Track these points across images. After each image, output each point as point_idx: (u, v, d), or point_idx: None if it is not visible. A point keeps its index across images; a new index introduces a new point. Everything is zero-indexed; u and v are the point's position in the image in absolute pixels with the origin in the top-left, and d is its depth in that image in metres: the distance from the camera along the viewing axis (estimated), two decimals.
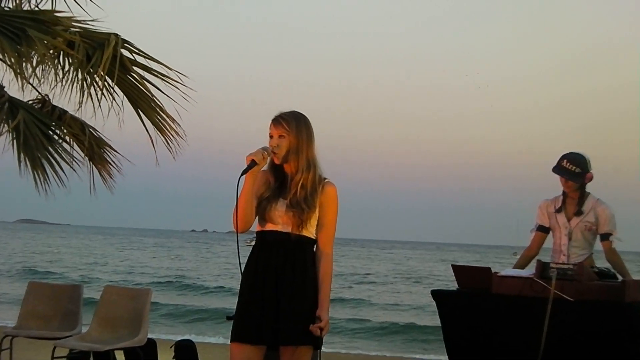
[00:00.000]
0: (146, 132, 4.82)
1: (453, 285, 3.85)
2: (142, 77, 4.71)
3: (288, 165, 2.40)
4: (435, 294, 3.77)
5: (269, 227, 2.38)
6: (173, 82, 4.53)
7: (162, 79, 4.63)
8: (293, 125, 2.36)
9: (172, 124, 4.84)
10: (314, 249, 2.38)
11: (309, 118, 2.42)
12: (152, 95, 4.77)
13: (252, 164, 2.30)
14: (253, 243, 2.39)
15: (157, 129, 4.86)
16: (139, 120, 4.85)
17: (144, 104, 4.80)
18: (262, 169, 2.39)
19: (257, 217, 2.42)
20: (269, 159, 2.40)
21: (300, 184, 2.34)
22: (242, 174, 2.23)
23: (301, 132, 2.36)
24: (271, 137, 2.40)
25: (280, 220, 2.36)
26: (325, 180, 2.38)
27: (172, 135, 4.86)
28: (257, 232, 2.40)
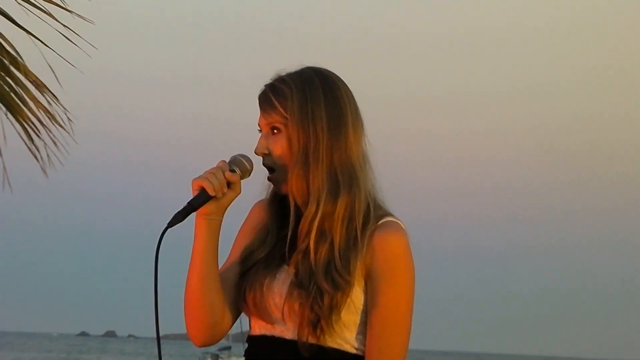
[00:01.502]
0: None
1: None
2: None
3: (292, 191, 2.33)
4: None
5: (260, 329, 2.34)
6: (45, 1, 4.29)
7: None
8: (295, 99, 2.29)
9: (40, 98, 4.55)
10: None
11: (342, 80, 2.37)
12: None
13: (201, 198, 2.23)
14: None
15: (8, 109, 4.57)
16: None
17: None
18: (259, 202, 2.40)
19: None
20: (269, 188, 2.38)
21: (315, 230, 2.26)
22: (168, 225, 2.21)
23: (315, 114, 2.29)
24: (260, 130, 2.35)
25: (279, 314, 2.28)
26: (383, 221, 2.29)
27: (40, 123, 4.58)
28: (248, 339, 2.39)
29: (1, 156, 4.57)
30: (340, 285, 2.25)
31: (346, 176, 2.30)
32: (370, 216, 2.30)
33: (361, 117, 2.35)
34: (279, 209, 2.38)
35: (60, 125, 4.56)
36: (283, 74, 2.34)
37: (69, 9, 4.26)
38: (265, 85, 2.34)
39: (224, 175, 2.25)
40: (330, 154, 2.29)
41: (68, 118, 4.56)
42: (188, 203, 2.22)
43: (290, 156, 2.31)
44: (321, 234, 2.28)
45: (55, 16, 4.29)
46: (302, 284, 2.28)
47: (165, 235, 2.24)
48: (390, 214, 2.32)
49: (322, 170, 2.29)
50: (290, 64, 2.32)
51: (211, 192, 2.22)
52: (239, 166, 2.28)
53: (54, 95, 4.54)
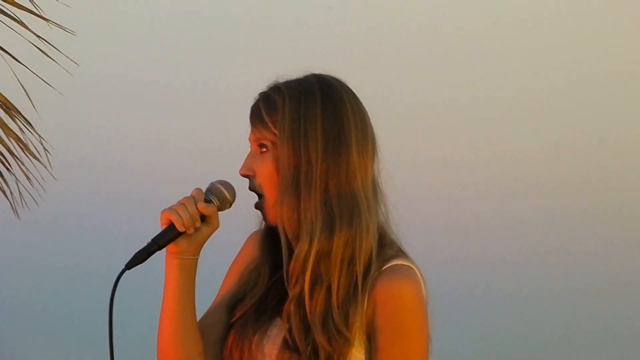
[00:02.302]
0: None
1: None
2: None
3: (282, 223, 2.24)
4: None
5: None
6: (16, 7, 4.13)
7: None
8: (287, 113, 2.17)
9: (10, 124, 4.33)
10: None
11: (352, 92, 2.22)
12: None
13: (168, 234, 2.13)
14: None
15: None
16: None
17: None
18: (255, 232, 2.29)
19: None
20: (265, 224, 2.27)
21: (309, 271, 2.13)
22: (126, 267, 2.10)
23: (308, 132, 2.17)
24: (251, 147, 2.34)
25: None
26: (390, 265, 2.14)
27: (10, 153, 4.38)
28: None
29: None
30: (337, 343, 2.11)
31: (345, 207, 2.14)
32: (373, 258, 2.14)
33: (373, 139, 2.20)
34: (274, 243, 2.22)
35: (35, 157, 4.31)
36: (281, 81, 2.21)
37: (45, 16, 4.05)
38: (259, 94, 2.21)
39: (196, 206, 2.12)
40: (324, 180, 2.15)
41: (44, 148, 4.32)
42: (152, 240, 2.11)
43: (279, 181, 2.18)
44: (317, 277, 2.12)
45: (29, 26, 4.11)
46: (294, 344, 2.13)
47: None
48: (401, 255, 2.14)
49: (315, 200, 2.14)
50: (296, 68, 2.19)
51: (180, 228, 2.10)
52: (216, 195, 2.15)
53: (27, 121, 4.31)
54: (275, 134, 2.18)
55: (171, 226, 2.11)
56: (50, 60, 4.10)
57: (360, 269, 2.14)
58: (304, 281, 2.15)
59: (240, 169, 2.20)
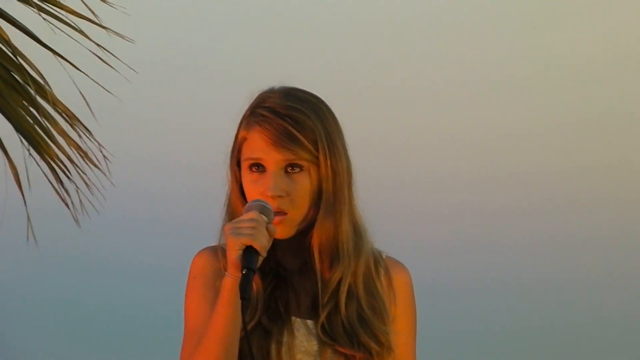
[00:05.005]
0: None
1: None
2: None
3: (300, 241, 2.23)
4: None
5: None
6: (75, 16, 4.12)
7: (49, 11, 4.14)
8: (322, 132, 2.19)
9: (70, 133, 4.32)
10: None
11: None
12: (14, 54, 4.20)
13: (256, 258, 2.11)
14: None
15: (32, 146, 4.33)
16: None
17: None
18: (204, 254, 2.27)
19: None
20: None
21: (345, 291, 2.19)
22: (244, 299, 2.07)
23: (338, 149, 2.20)
24: (257, 166, 2.21)
25: None
26: (385, 257, 2.28)
27: (70, 162, 4.36)
28: None
29: (24, 202, 4.20)
30: (386, 342, 2.17)
31: (363, 225, 2.24)
32: (374, 256, 2.24)
33: None
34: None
35: (95, 165, 4.25)
36: (280, 89, 2.17)
37: (103, 25, 3.98)
38: (271, 113, 2.16)
39: (265, 226, 2.10)
40: (351, 198, 2.21)
41: (104, 156, 4.26)
42: (247, 269, 2.09)
43: (316, 199, 2.18)
44: (350, 292, 2.19)
45: (88, 34, 4.05)
46: (337, 340, 2.16)
47: None
48: (383, 251, 2.26)
49: (347, 218, 2.20)
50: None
51: (263, 253, 2.09)
52: (268, 217, 2.14)
53: (86, 129, 4.23)
54: (313, 154, 2.17)
55: (253, 250, 2.10)
56: (109, 67, 4.08)
57: (375, 275, 2.23)
58: (338, 297, 2.19)
59: (272, 190, 2.16)
